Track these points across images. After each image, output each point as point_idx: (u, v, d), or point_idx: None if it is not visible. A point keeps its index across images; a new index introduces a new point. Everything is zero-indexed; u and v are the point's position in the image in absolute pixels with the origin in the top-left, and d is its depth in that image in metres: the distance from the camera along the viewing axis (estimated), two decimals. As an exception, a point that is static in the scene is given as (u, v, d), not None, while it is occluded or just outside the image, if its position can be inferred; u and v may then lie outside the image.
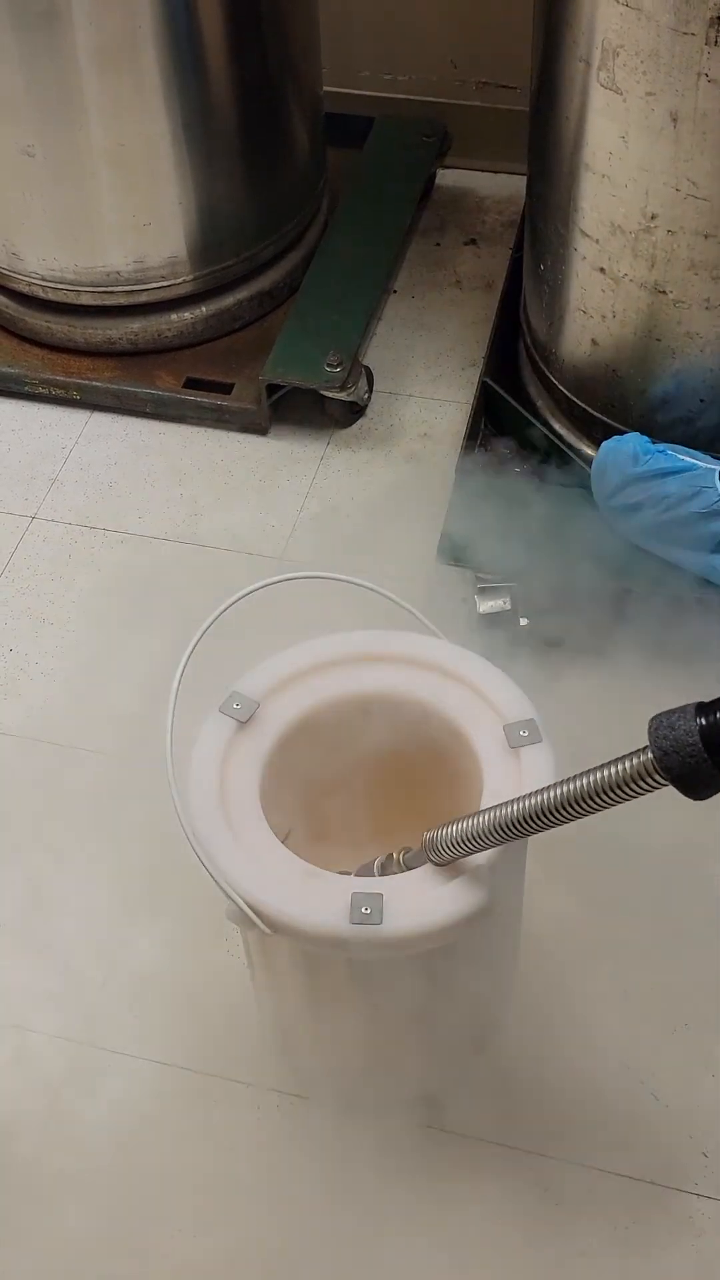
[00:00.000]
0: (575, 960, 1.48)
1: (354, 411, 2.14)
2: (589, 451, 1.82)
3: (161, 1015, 1.50)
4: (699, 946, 1.51)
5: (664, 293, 1.60)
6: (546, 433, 1.87)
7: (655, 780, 0.92)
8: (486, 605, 1.75)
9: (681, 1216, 1.35)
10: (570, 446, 1.86)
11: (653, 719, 0.92)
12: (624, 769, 0.94)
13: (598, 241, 1.62)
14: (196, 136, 1.98)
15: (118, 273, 2.08)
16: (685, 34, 1.39)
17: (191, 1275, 1.35)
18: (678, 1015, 1.47)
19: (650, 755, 0.92)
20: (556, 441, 1.85)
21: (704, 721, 0.89)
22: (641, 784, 0.93)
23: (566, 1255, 1.34)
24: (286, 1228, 1.37)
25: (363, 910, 1.11)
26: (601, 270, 1.64)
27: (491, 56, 2.40)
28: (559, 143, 1.62)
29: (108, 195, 2.00)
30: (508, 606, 1.74)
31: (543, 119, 1.66)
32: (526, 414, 1.90)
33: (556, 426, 1.90)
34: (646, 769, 0.92)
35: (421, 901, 1.13)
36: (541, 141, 1.68)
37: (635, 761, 0.93)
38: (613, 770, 0.95)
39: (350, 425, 2.14)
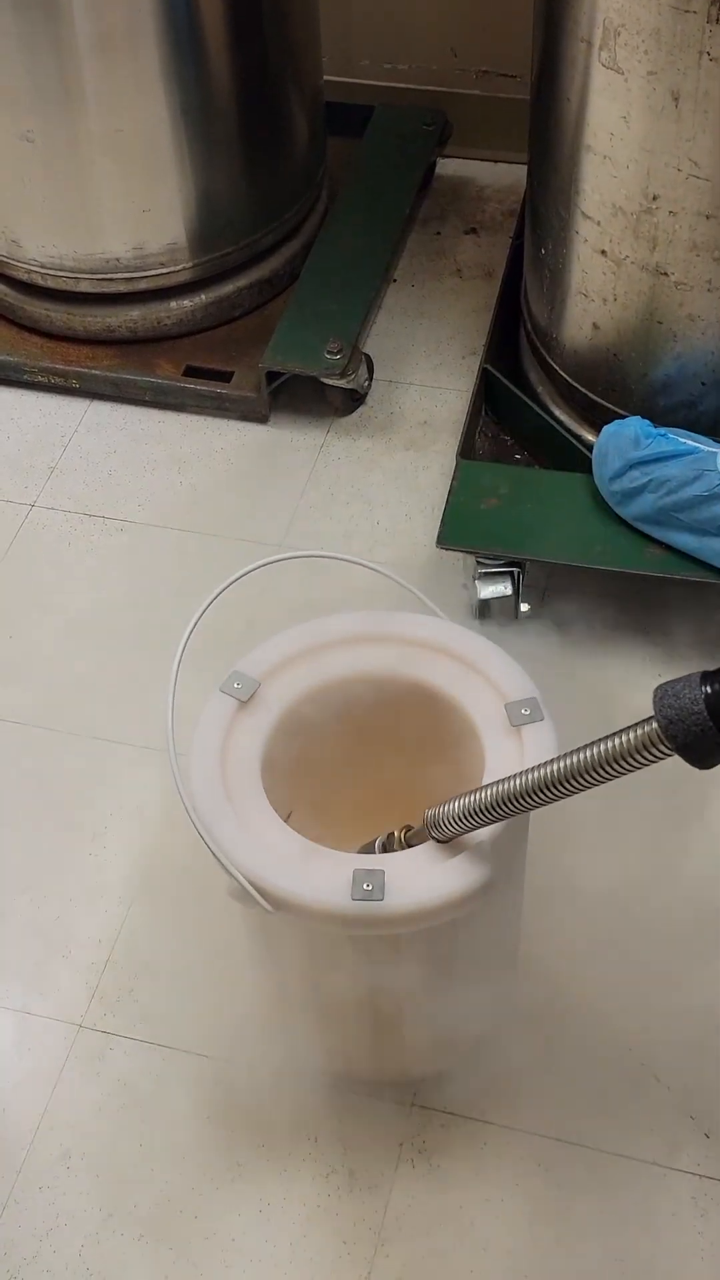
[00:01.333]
0: (578, 940, 1.47)
1: (354, 399, 2.14)
2: (590, 437, 1.82)
3: (163, 997, 1.49)
4: (702, 930, 1.51)
5: (665, 275, 1.60)
6: (548, 419, 1.86)
7: (661, 750, 0.92)
8: (487, 590, 1.74)
9: (684, 1197, 1.35)
10: (571, 432, 1.85)
11: (657, 688, 0.92)
12: (629, 739, 0.93)
13: (599, 224, 1.62)
14: (196, 123, 1.98)
15: (117, 260, 2.07)
16: (687, 12, 1.38)
17: (191, 1255, 1.34)
18: (680, 997, 1.46)
19: (655, 725, 0.91)
20: (558, 427, 1.85)
21: (709, 690, 0.89)
22: (647, 754, 0.93)
23: (568, 1235, 1.33)
24: (290, 1208, 1.36)
25: (364, 887, 1.11)
26: (603, 253, 1.64)
27: (492, 45, 2.40)
28: (560, 124, 1.62)
29: (107, 181, 1.99)
30: (508, 592, 1.74)
31: (544, 101, 1.65)
32: (527, 400, 1.89)
33: (557, 413, 1.89)
34: (652, 739, 0.92)
35: (423, 878, 1.12)
36: (542, 124, 1.68)
37: (640, 732, 0.93)
38: (618, 741, 0.94)
39: (350, 413, 2.14)
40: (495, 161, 2.52)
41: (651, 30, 1.42)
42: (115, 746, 1.73)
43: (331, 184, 2.35)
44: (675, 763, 0.92)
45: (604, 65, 1.49)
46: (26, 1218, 1.37)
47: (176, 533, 1.99)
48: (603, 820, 1.50)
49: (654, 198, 1.54)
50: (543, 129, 1.69)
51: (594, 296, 1.70)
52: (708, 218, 1.52)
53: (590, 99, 1.54)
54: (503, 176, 2.49)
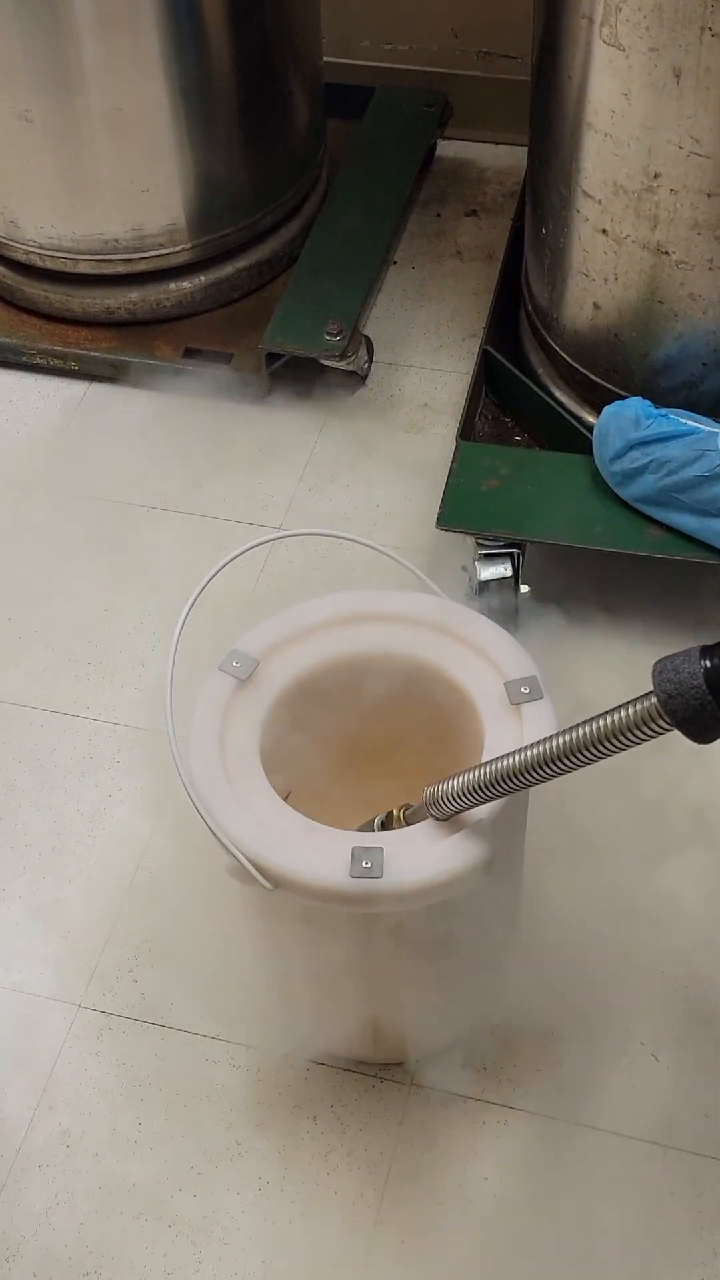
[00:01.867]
0: (577, 920, 1.47)
1: (354, 381, 2.13)
2: (590, 418, 1.81)
3: (161, 977, 1.49)
4: (699, 909, 1.51)
5: (667, 254, 1.59)
6: (548, 400, 1.86)
7: (660, 725, 0.92)
8: (487, 571, 1.74)
9: (683, 1176, 1.35)
10: (572, 413, 1.84)
11: (656, 663, 0.92)
12: (628, 714, 0.93)
13: (600, 202, 1.61)
14: (195, 103, 1.97)
15: (116, 240, 2.07)
16: (689, -13, 1.37)
17: (190, 1234, 1.34)
18: (679, 976, 1.46)
19: (654, 699, 0.91)
20: (558, 408, 1.84)
21: (709, 664, 0.89)
22: (646, 729, 0.93)
23: (566, 1214, 1.33)
24: (289, 1186, 1.36)
25: (363, 864, 1.11)
26: (604, 232, 1.63)
27: (492, 26, 2.39)
28: (561, 102, 1.61)
29: (106, 162, 1.98)
30: (508, 573, 1.73)
31: (545, 79, 1.65)
32: (528, 381, 1.89)
33: (558, 394, 1.89)
34: (651, 714, 0.92)
35: (422, 855, 1.12)
36: (544, 102, 1.67)
37: (640, 707, 0.93)
38: (617, 716, 0.94)
39: (350, 395, 2.13)
40: (496, 143, 2.51)
41: (653, 6, 1.41)
42: (114, 727, 1.73)
43: (331, 165, 2.35)
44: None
45: (605, 42, 1.48)
46: (26, 1196, 1.38)
47: (176, 514, 1.99)
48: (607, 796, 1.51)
49: (655, 176, 1.53)
50: (544, 107, 1.68)
51: (595, 276, 1.69)
52: (709, 196, 1.52)
53: (591, 76, 1.53)
54: (503, 158, 2.49)
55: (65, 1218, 1.36)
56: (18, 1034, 1.48)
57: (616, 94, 1.51)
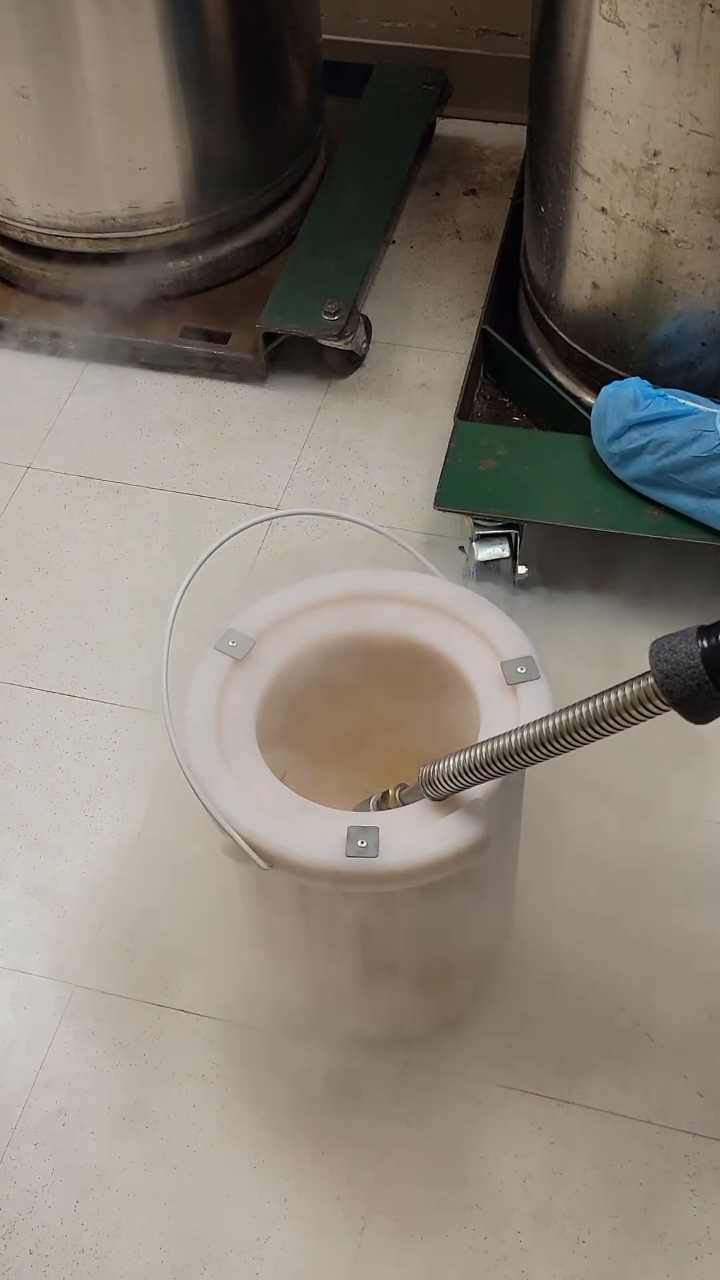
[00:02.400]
0: (572, 900, 1.47)
1: (352, 361, 2.12)
2: (589, 399, 1.81)
3: (157, 956, 1.49)
4: (690, 891, 1.51)
5: (666, 232, 1.58)
6: (546, 380, 1.85)
7: (657, 705, 0.92)
8: (485, 552, 1.73)
9: (677, 1156, 1.35)
10: (570, 394, 1.84)
11: (654, 643, 0.91)
12: (625, 695, 0.93)
13: (599, 181, 1.60)
14: (193, 79, 1.96)
15: (113, 219, 2.06)
16: (689, -36, 1.37)
17: (185, 1212, 1.35)
18: (673, 957, 1.46)
19: (651, 680, 0.91)
20: (556, 389, 1.84)
21: (705, 644, 0.88)
22: (643, 709, 0.92)
23: (561, 1192, 1.34)
24: (284, 1164, 1.37)
25: (359, 844, 1.11)
26: (603, 210, 1.62)
27: (492, 3, 2.37)
28: (561, 80, 1.60)
29: (103, 139, 1.97)
30: (506, 553, 1.73)
31: (544, 56, 1.64)
32: (526, 361, 1.88)
33: (556, 374, 1.88)
34: (648, 694, 0.91)
35: (418, 835, 1.12)
36: (543, 80, 1.66)
37: (636, 687, 0.92)
38: (614, 696, 0.94)
39: (348, 375, 2.13)
40: (495, 122, 2.49)
41: (653, -18, 1.40)
42: (111, 707, 1.73)
43: (330, 144, 2.33)
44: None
45: (605, 18, 1.47)
46: (21, 1174, 1.38)
47: (173, 494, 1.98)
48: (598, 778, 1.51)
49: (655, 154, 1.52)
50: (543, 85, 1.67)
51: (594, 255, 1.69)
52: (708, 174, 1.51)
53: (591, 53, 1.52)
54: (503, 137, 2.47)
55: (61, 1195, 1.36)
56: (14, 1012, 1.48)
57: (616, 71, 1.50)
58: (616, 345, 1.75)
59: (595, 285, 1.72)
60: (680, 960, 1.46)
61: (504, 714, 1.18)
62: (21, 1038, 1.47)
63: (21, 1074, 1.44)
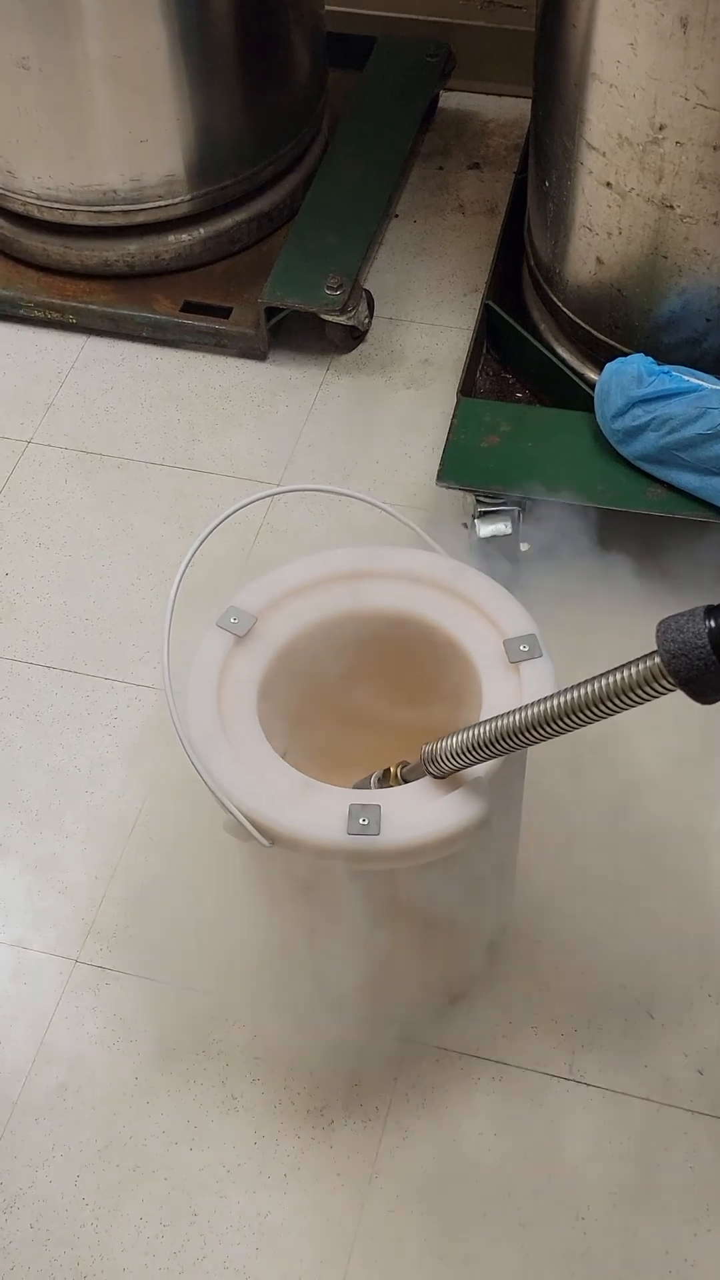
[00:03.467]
0: (572, 877, 1.47)
1: (354, 336, 2.11)
2: (592, 375, 1.80)
3: (158, 932, 1.49)
4: (688, 870, 1.51)
5: (671, 207, 1.57)
6: (550, 356, 1.84)
7: (663, 685, 0.91)
8: (487, 529, 1.73)
9: (677, 1133, 1.36)
10: (574, 370, 1.83)
11: (661, 622, 0.91)
12: (631, 674, 0.92)
13: (604, 155, 1.59)
14: (195, 50, 1.94)
15: (114, 191, 2.04)
16: (697, -66, 1.35)
17: (186, 1186, 1.35)
18: (673, 935, 1.46)
19: (658, 659, 0.90)
20: (560, 365, 1.83)
21: (713, 624, 0.88)
22: (649, 689, 0.92)
23: (562, 1170, 1.34)
24: (285, 1140, 1.37)
25: (360, 821, 1.11)
26: (608, 185, 1.61)
27: (497, -26, 2.36)
28: (566, 52, 1.58)
29: (105, 110, 1.96)
30: (508, 530, 1.72)
31: (550, 28, 1.62)
32: (530, 337, 1.87)
33: (560, 350, 1.87)
34: (654, 673, 0.91)
35: (419, 813, 1.12)
36: (548, 52, 1.64)
37: (643, 666, 0.92)
38: (620, 676, 0.93)
39: (350, 351, 2.12)
40: (500, 95, 2.48)
41: (661, -47, 1.39)
42: (112, 683, 1.73)
43: (332, 117, 2.32)
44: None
45: (611, -10, 1.45)
46: (23, 1149, 1.38)
47: (174, 470, 1.98)
48: (596, 755, 1.50)
49: (661, 128, 1.51)
50: (548, 57, 1.65)
51: (598, 230, 1.68)
52: (715, 148, 1.49)
53: (597, 25, 1.51)
54: (507, 110, 2.46)
55: (62, 1170, 1.37)
56: (15, 988, 1.49)
57: (622, 44, 1.48)
58: (620, 321, 1.74)
59: (600, 260, 1.70)
60: (683, 938, 1.46)
61: (506, 692, 1.18)
62: (23, 1013, 1.47)
63: (23, 1049, 1.44)
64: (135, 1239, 1.33)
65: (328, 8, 2.25)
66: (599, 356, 1.78)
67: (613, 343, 1.76)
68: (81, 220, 2.08)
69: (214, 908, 1.44)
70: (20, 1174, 1.37)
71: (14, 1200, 1.35)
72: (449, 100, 2.47)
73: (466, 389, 1.83)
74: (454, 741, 1.09)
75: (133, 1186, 1.35)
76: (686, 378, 1.64)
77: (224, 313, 2.11)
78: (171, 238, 2.12)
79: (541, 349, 1.86)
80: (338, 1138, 1.37)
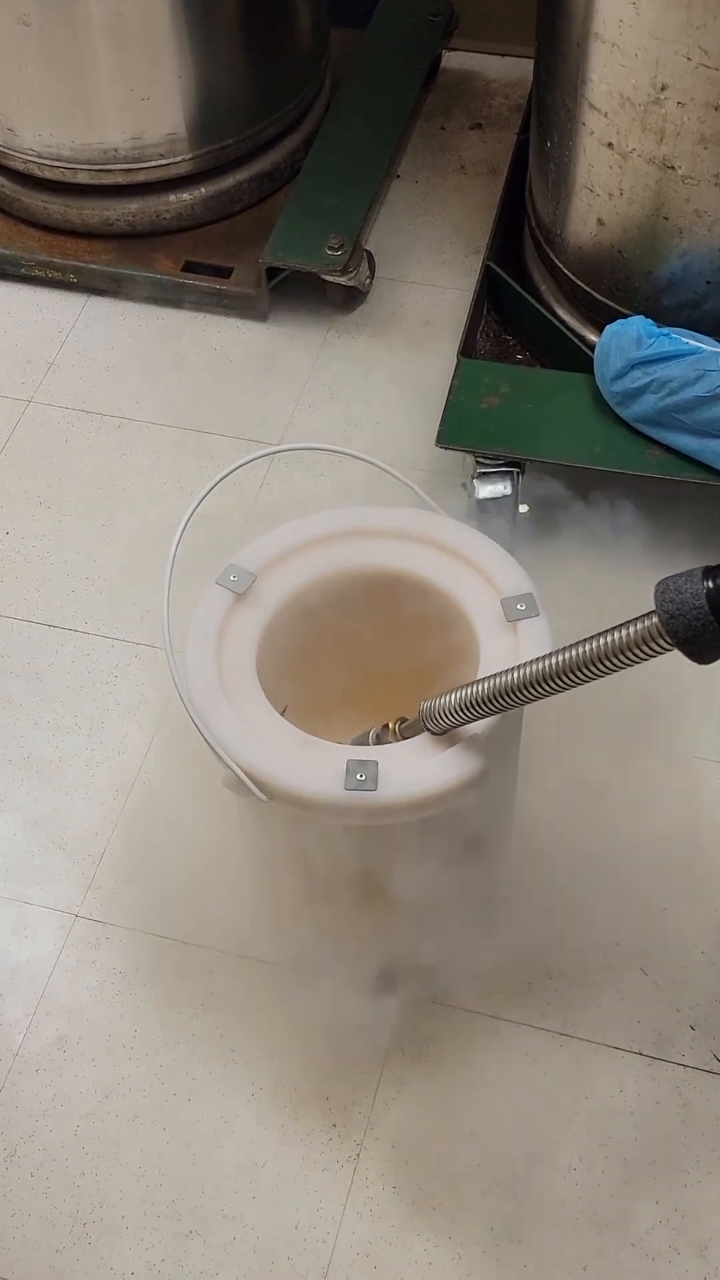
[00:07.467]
0: (568, 836, 1.49)
1: (355, 297, 2.11)
2: (593, 337, 1.80)
3: (158, 888, 1.51)
4: (682, 829, 1.53)
5: (673, 168, 1.57)
6: (550, 318, 1.84)
7: (661, 644, 0.91)
8: (486, 490, 1.73)
9: (669, 1087, 1.38)
10: (574, 332, 1.83)
11: (659, 583, 0.91)
12: (630, 633, 0.93)
13: (606, 115, 1.58)
14: (196, 7, 1.93)
15: (115, 150, 2.04)
16: None
17: (185, 1136, 1.37)
18: (667, 892, 1.48)
19: (656, 619, 0.91)
20: (560, 327, 1.83)
21: (711, 584, 0.88)
22: (647, 648, 0.92)
23: (554, 1123, 1.36)
24: (282, 1092, 1.39)
25: (358, 777, 1.12)
26: (610, 145, 1.61)
27: (500, -68, 2.34)
28: (569, 12, 1.58)
29: (106, 68, 1.95)
30: (507, 492, 1.73)
31: (552, -14, 1.62)
32: (530, 299, 1.87)
33: (560, 312, 1.87)
34: (652, 633, 0.91)
35: (416, 769, 1.13)
36: (551, 11, 1.64)
37: (641, 626, 0.92)
38: (618, 635, 0.94)
39: (351, 311, 2.12)
40: (502, 55, 2.46)
41: None
42: (112, 641, 1.73)
43: (334, 76, 2.31)
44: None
45: (615, -52, 1.45)
46: (24, 1099, 1.40)
47: (174, 430, 1.98)
48: (600, 716, 1.51)
49: (663, 88, 1.51)
50: (551, 16, 1.64)
51: (599, 191, 1.67)
52: (717, 109, 1.49)
53: (600, -16, 1.50)
54: (510, 70, 2.44)
55: (62, 1120, 1.39)
56: (16, 942, 1.50)
57: (625, 3, 1.48)
58: (621, 283, 1.74)
59: (601, 222, 1.70)
60: (676, 895, 1.47)
61: (504, 650, 1.18)
62: (23, 966, 1.48)
63: (23, 1002, 1.46)
64: (134, 1187, 1.35)
65: (330, -35, 2.24)
66: (599, 318, 1.78)
67: (613, 304, 1.76)
68: (82, 179, 2.08)
69: (213, 862, 1.45)
70: (20, 1123, 1.39)
71: (15, 1149, 1.37)
72: (451, 60, 2.46)
73: (467, 350, 1.83)
74: (451, 699, 1.10)
75: (131, 1136, 1.37)
76: (686, 340, 1.64)
77: (225, 273, 2.10)
78: (173, 197, 2.12)
79: (542, 311, 1.86)
80: (334, 1090, 1.39)
